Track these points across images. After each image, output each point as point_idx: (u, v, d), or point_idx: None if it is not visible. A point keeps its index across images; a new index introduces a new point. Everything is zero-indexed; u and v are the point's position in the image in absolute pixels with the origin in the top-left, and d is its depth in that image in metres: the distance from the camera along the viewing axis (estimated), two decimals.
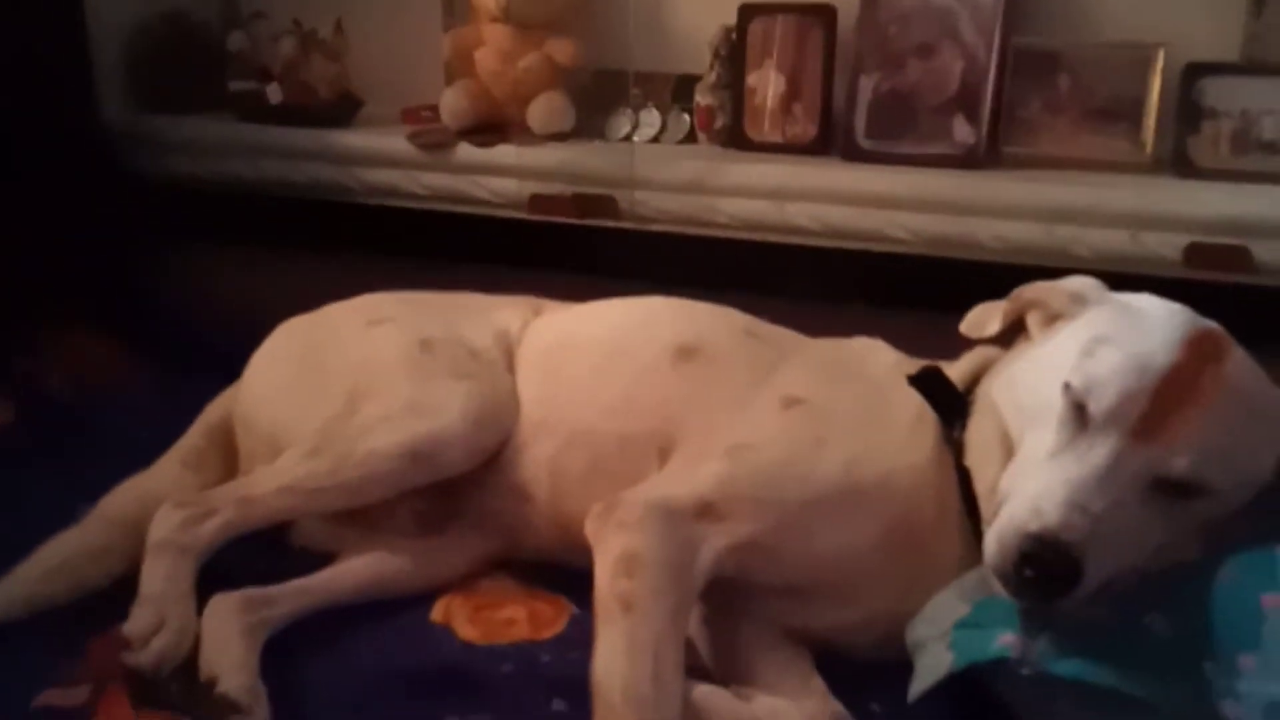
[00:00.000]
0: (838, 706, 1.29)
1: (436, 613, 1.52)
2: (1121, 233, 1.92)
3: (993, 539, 1.17)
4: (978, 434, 1.36)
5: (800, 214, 2.15)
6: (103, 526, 1.54)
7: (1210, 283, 1.84)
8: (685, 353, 1.59)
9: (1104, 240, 1.93)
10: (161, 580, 1.42)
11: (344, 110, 2.62)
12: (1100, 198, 1.95)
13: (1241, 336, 1.28)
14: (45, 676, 1.34)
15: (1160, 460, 1.17)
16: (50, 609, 1.44)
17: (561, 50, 2.38)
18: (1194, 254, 1.88)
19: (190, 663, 1.35)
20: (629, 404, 1.56)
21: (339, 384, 1.62)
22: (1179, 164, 2.02)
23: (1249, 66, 1.98)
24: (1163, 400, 1.18)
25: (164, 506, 1.50)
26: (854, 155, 2.20)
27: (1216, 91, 1.97)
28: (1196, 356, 1.21)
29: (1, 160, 2.31)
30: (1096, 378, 1.19)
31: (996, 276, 1.50)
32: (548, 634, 1.48)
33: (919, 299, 1.81)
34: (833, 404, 1.46)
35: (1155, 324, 1.25)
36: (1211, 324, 1.28)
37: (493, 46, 2.42)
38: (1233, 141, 1.96)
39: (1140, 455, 1.17)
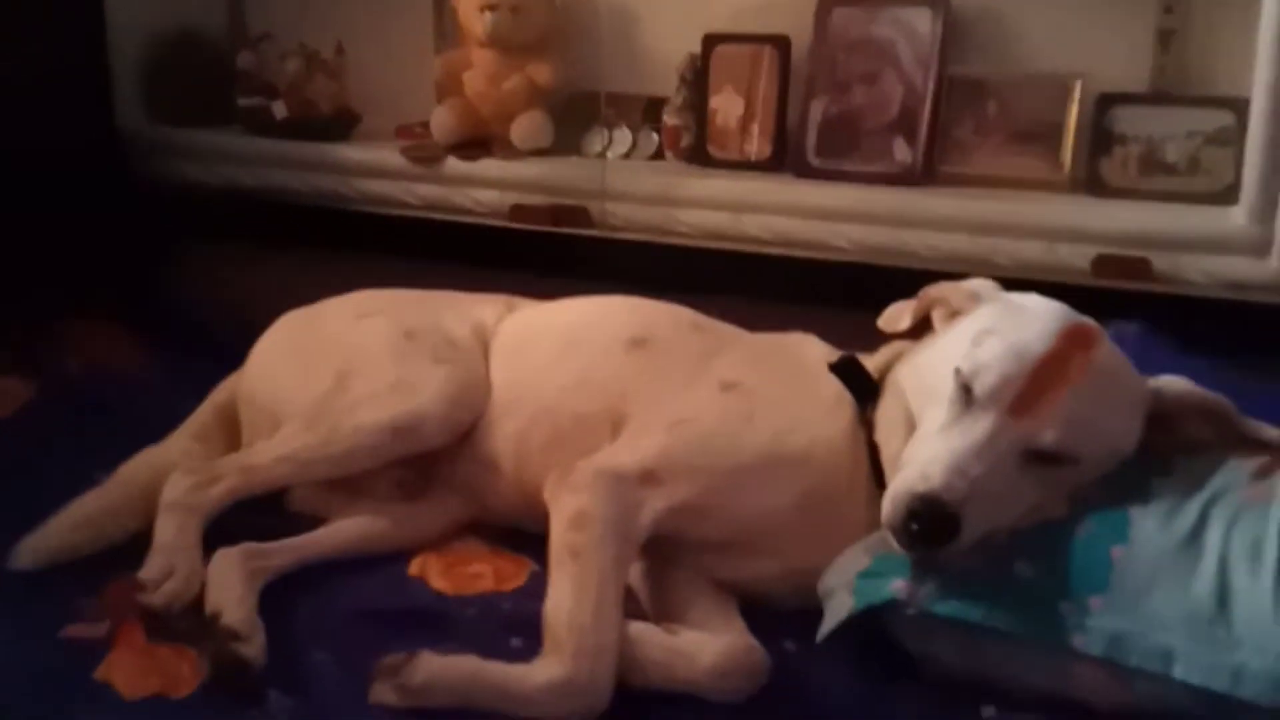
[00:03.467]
0: (753, 641, 1.41)
1: (413, 568, 1.64)
2: (1038, 244, 2.05)
3: (887, 499, 1.34)
4: (886, 414, 1.52)
5: (755, 225, 2.28)
6: (121, 489, 1.69)
7: (1115, 290, 1.98)
8: (636, 343, 1.73)
9: (1022, 251, 2.06)
10: (172, 534, 1.56)
11: (343, 125, 2.75)
12: (1020, 212, 2.08)
13: None
14: (71, 613, 1.49)
15: (1032, 434, 1.33)
16: (75, 558, 1.59)
17: (542, 73, 2.51)
18: (1101, 264, 2.01)
19: (197, 605, 1.49)
20: (585, 386, 1.70)
21: (331, 367, 1.76)
22: (1092, 183, 2.14)
23: (1155, 97, 2.12)
24: (1037, 383, 1.35)
25: (175, 473, 1.65)
26: (804, 172, 2.31)
27: (1126, 119, 2.11)
28: (1068, 346, 1.38)
29: (24, 163, 2.44)
30: (981, 363, 1.36)
31: (928, 282, 1.62)
32: (510, 586, 1.60)
33: (859, 301, 1.85)
34: (763, 387, 1.60)
35: (1035, 318, 1.42)
36: (1085, 319, 1.44)
37: (480, 69, 2.56)
38: (1140, 164, 2.10)
39: (1015, 429, 1.33)
